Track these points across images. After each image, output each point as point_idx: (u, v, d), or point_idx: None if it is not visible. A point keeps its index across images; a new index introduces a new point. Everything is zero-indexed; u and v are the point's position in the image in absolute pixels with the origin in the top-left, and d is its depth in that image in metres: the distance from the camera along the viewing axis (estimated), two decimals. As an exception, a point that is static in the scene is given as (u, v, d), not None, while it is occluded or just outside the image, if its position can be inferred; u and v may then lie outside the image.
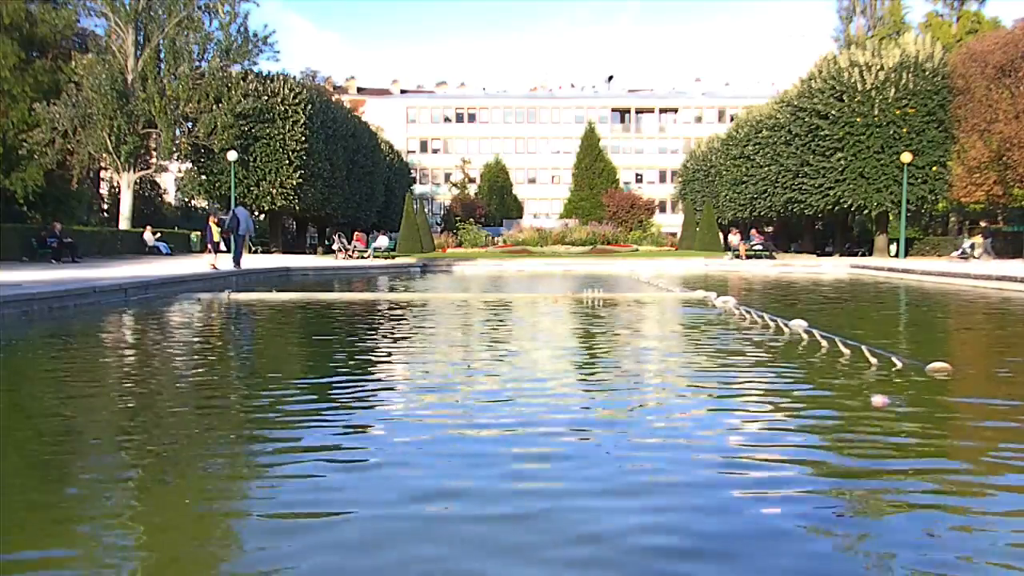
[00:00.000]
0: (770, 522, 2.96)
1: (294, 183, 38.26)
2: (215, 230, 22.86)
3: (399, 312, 11.40)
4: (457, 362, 6.70)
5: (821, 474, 3.64)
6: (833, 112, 36.89)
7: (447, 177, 76.70)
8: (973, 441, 4.22)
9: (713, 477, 3.52)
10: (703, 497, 3.24)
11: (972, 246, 31.76)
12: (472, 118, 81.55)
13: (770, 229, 51.12)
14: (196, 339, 8.59)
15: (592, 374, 6.26)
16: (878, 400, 4.79)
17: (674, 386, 5.81)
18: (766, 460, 3.80)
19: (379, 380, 5.90)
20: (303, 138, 38.44)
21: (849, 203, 37.23)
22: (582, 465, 3.69)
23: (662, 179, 78.71)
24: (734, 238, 36.79)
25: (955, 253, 32.40)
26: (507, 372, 6.16)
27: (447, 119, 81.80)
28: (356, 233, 36.42)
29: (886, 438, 4.13)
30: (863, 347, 6.46)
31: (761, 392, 5.45)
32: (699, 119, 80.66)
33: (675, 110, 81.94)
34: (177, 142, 36.03)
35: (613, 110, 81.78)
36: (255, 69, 38.44)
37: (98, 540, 2.82)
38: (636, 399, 5.33)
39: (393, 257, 34.15)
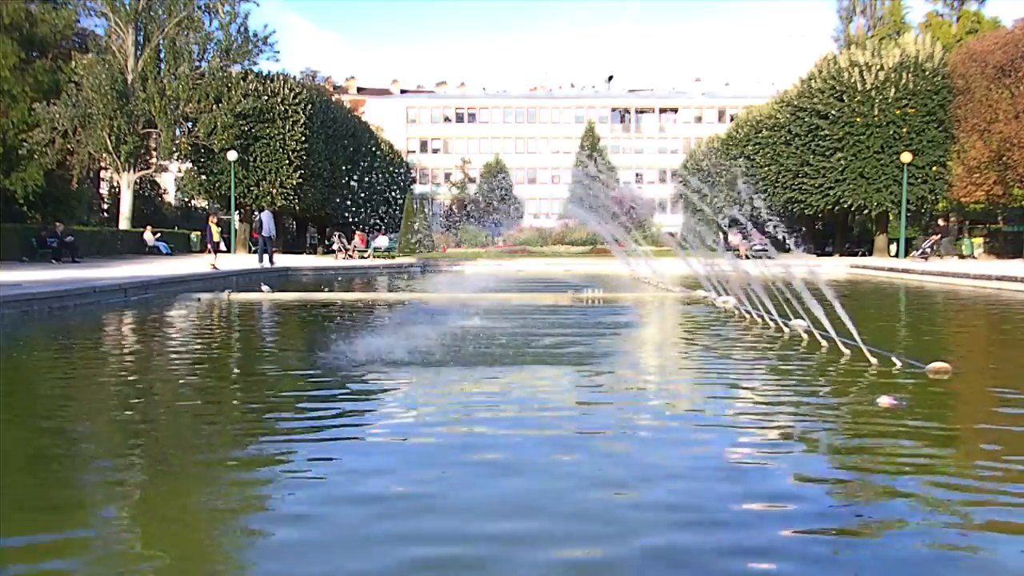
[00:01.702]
0: (777, 533, 2.96)
1: (294, 183, 38.25)
2: (215, 230, 22.91)
3: (397, 312, 11.39)
4: (465, 364, 6.68)
5: (823, 474, 3.64)
6: (833, 112, 36.87)
7: (447, 177, 76.64)
8: (974, 441, 4.22)
9: (716, 479, 3.52)
10: (708, 501, 3.24)
11: (932, 246, 32.21)
12: (472, 118, 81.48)
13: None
14: (195, 339, 8.59)
15: (594, 373, 6.25)
16: (885, 401, 4.77)
17: (673, 386, 5.81)
18: (769, 464, 3.80)
19: (389, 392, 5.88)
20: (303, 138, 38.42)
21: (849, 203, 37.23)
22: (586, 466, 3.69)
23: (662, 179, 78.68)
24: (735, 238, 36.73)
25: (915, 253, 32.95)
26: (505, 381, 6.14)
27: (447, 119, 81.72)
28: (358, 233, 36.41)
29: (889, 438, 4.12)
30: (863, 347, 6.46)
31: (762, 393, 5.45)
32: (699, 119, 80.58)
33: (675, 110, 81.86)
34: (177, 142, 35.99)
35: (613, 110, 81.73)
36: (255, 69, 38.38)
37: (98, 538, 2.82)
38: (635, 400, 5.33)
39: (393, 257, 34.14)
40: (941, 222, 35.69)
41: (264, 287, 14.59)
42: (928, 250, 31.93)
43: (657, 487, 3.34)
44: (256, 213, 24.42)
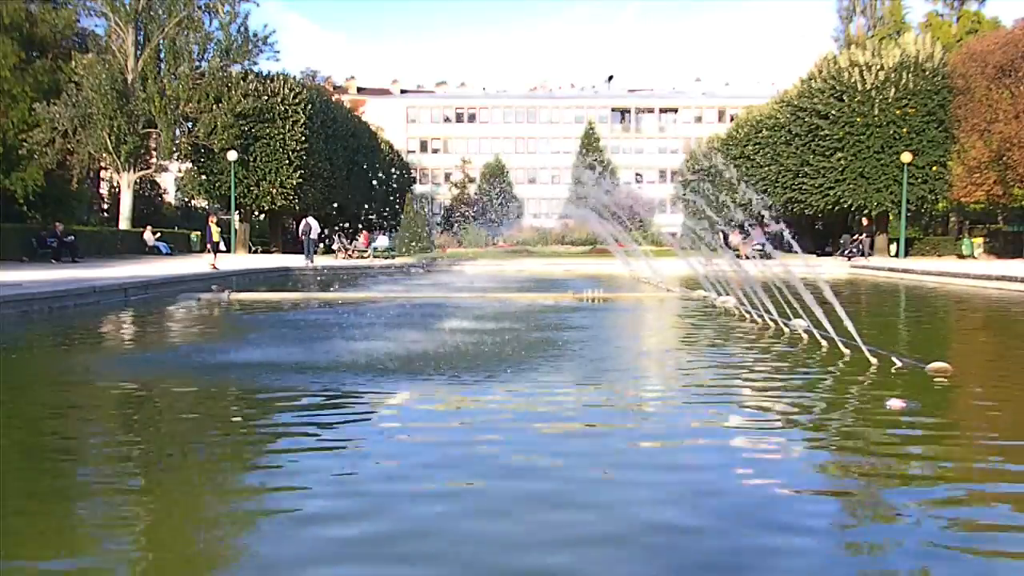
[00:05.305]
0: (778, 531, 2.95)
1: (294, 183, 38.24)
2: (215, 230, 22.94)
3: (399, 312, 11.38)
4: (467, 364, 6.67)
5: (825, 474, 3.64)
6: (833, 112, 36.84)
7: (447, 177, 76.63)
8: (975, 441, 4.22)
9: (717, 480, 3.51)
10: (709, 503, 3.24)
11: (857, 245, 33.64)
12: (472, 118, 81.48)
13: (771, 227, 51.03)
14: (196, 338, 8.59)
15: (597, 372, 6.25)
16: (895, 404, 4.74)
17: (673, 387, 5.81)
18: (770, 465, 3.80)
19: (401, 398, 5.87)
20: (303, 138, 38.40)
21: (849, 203, 37.20)
22: (584, 468, 3.68)
23: (662, 179, 78.68)
24: (735, 238, 36.62)
25: (839, 253, 34.10)
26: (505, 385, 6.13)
27: (447, 119, 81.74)
28: (363, 232, 36.38)
29: (890, 438, 4.12)
30: (863, 347, 6.45)
31: (762, 393, 5.44)
32: (699, 119, 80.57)
33: (675, 110, 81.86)
34: (177, 142, 35.97)
35: (613, 110, 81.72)
36: (255, 69, 38.37)
37: (98, 540, 2.82)
38: (635, 401, 5.33)
39: (393, 257, 34.14)
40: (865, 221, 36.10)
41: (214, 287, 14.69)
42: (855, 250, 32.77)
43: (655, 487, 3.34)
44: (303, 219, 29.43)
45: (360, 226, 43.11)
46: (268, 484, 3.43)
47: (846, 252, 33.55)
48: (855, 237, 35.39)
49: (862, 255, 32.85)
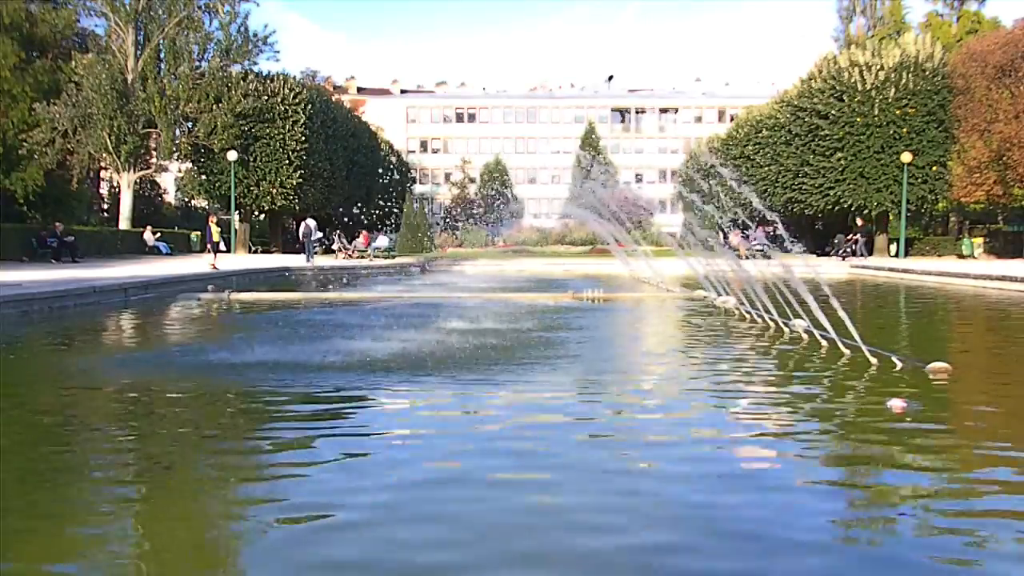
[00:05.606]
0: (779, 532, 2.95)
1: (294, 183, 38.24)
2: (215, 230, 22.95)
3: (399, 312, 11.38)
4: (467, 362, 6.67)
5: (824, 476, 3.64)
6: (833, 112, 36.82)
7: (447, 177, 76.62)
8: (976, 441, 4.22)
9: (717, 481, 3.51)
10: (709, 504, 3.24)
11: (851, 245, 34.25)
12: (472, 118, 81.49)
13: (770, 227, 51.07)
14: (196, 338, 8.59)
15: (596, 373, 6.25)
16: (896, 405, 4.74)
17: (673, 387, 5.81)
18: (770, 466, 3.80)
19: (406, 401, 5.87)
20: (303, 138, 38.39)
21: (849, 203, 37.19)
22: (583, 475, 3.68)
23: (662, 179, 78.69)
24: (734, 238, 36.57)
25: (834, 253, 34.67)
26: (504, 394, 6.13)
27: (447, 119, 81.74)
28: (363, 232, 36.37)
29: (890, 439, 4.12)
30: (863, 347, 6.45)
31: (763, 394, 5.44)
32: (699, 119, 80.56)
33: (675, 110, 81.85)
34: (177, 142, 35.97)
35: (613, 110, 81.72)
36: (255, 69, 38.37)
37: (99, 542, 2.82)
38: (636, 401, 5.33)
39: (393, 257, 34.12)
40: (859, 221, 36.10)
41: (210, 287, 14.76)
42: (849, 250, 32.90)
43: (654, 490, 3.34)
44: (303, 222, 30.27)
45: (360, 225, 43.14)
46: (268, 483, 3.43)
47: (840, 252, 33.69)
48: (849, 237, 35.46)
49: (854, 255, 32.90)
